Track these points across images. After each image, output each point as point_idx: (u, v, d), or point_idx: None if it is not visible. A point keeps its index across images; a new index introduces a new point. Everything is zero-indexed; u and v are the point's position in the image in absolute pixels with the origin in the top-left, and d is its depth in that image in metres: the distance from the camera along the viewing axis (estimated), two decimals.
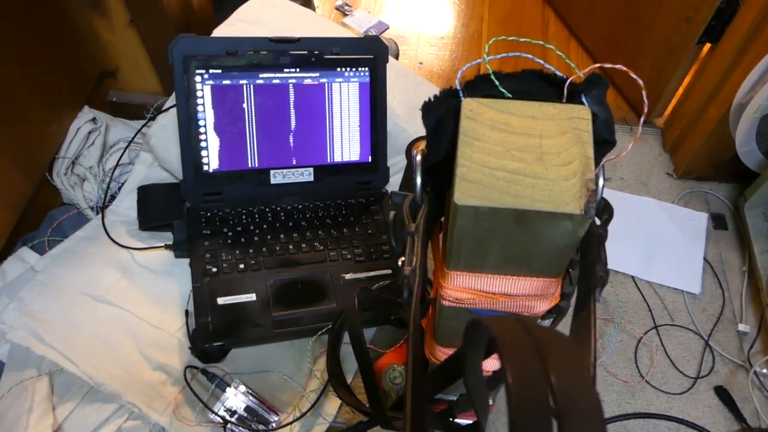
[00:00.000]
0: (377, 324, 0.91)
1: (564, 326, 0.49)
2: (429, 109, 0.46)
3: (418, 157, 0.47)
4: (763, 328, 0.98)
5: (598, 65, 0.46)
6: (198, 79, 0.87)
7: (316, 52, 0.91)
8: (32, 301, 0.86)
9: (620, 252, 1.07)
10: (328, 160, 0.97)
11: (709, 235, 1.11)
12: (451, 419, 0.65)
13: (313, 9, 1.40)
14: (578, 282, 0.46)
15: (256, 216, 0.94)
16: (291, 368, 0.87)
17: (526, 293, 0.46)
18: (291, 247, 0.91)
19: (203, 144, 0.90)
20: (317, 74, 0.92)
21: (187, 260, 0.90)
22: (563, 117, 0.41)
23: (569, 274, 0.47)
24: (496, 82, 0.44)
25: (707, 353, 0.96)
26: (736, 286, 1.04)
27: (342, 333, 0.66)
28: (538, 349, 0.27)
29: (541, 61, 0.46)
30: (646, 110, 0.50)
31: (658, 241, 1.09)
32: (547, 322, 0.55)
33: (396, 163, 1.03)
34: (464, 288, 0.46)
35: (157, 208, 0.97)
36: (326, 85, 0.93)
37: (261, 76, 0.90)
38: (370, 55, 0.93)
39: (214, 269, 0.86)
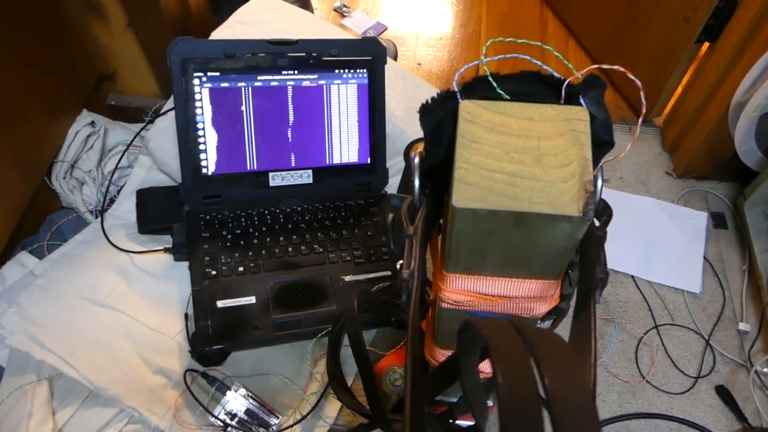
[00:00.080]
0: (377, 326, 0.91)
1: (564, 327, 0.48)
2: (427, 112, 0.46)
3: (416, 160, 0.47)
4: (764, 327, 0.98)
5: (595, 66, 0.46)
6: (196, 81, 0.87)
7: (314, 54, 0.91)
8: (31, 306, 0.85)
9: (620, 252, 1.07)
10: (327, 162, 0.97)
11: (709, 234, 1.11)
12: (451, 421, 0.65)
13: (312, 11, 1.40)
14: (578, 283, 0.46)
15: (255, 218, 0.94)
16: (291, 371, 0.87)
17: (526, 295, 0.46)
18: (290, 249, 0.91)
19: (202, 147, 0.90)
20: (315, 76, 0.92)
21: (186, 263, 0.90)
22: (561, 118, 0.41)
23: (569, 276, 0.47)
24: (494, 84, 0.44)
25: (708, 353, 0.96)
26: (736, 285, 1.04)
27: (342, 335, 0.66)
28: (531, 350, 0.27)
29: (539, 62, 0.46)
30: (644, 111, 0.50)
31: (658, 240, 1.09)
32: (547, 324, 0.55)
33: (395, 165, 1.03)
34: (463, 290, 0.46)
35: (156, 212, 0.97)
36: (324, 86, 0.93)
37: (259, 78, 0.90)
38: (369, 56, 0.93)
39: (214, 272, 0.86)
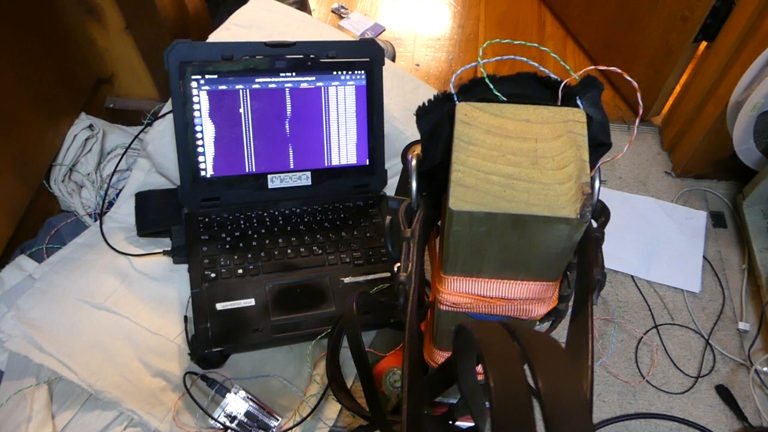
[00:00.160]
0: (377, 327, 0.91)
1: (563, 327, 0.48)
2: (424, 114, 0.46)
3: (414, 162, 0.47)
4: (764, 327, 0.98)
5: (592, 67, 0.45)
6: (194, 84, 0.87)
7: (311, 56, 0.91)
8: (30, 309, 0.85)
9: (619, 251, 1.07)
10: (326, 164, 0.97)
11: (709, 234, 1.11)
12: (451, 422, 0.65)
13: (309, 12, 1.40)
14: (575, 285, 0.46)
15: (255, 221, 0.94)
16: (291, 373, 0.87)
17: (524, 297, 0.46)
18: (289, 251, 0.91)
19: (200, 149, 0.90)
20: (313, 78, 0.92)
21: (185, 266, 0.90)
22: (558, 120, 0.41)
23: (567, 277, 0.47)
24: (491, 86, 0.44)
25: (708, 352, 0.96)
26: (736, 284, 1.04)
27: (341, 338, 0.66)
28: (525, 354, 0.27)
29: (535, 64, 0.46)
30: (640, 112, 0.50)
31: (658, 240, 1.09)
32: (545, 325, 0.55)
33: (394, 166, 1.03)
34: (461, 293, 0.46)
35: (155, 214, 0.97)
36: (322, 88, 0.93)
37: (257, 80, 0.90)
38: (366, 57, 0.93)
39: (213, 275, 0.86)
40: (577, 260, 0.45)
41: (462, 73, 0.47)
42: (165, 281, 0.92)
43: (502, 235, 0.39)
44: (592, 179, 0.42)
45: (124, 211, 1.00)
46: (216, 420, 0.79)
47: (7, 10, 0.91)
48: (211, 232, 0.91)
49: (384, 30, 1.53)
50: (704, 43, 1.11)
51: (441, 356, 0.60)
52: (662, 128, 1.28)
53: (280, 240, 0.92)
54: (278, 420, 0.81)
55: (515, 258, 0.42)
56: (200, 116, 0.89)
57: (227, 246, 0.90)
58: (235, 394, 0.81)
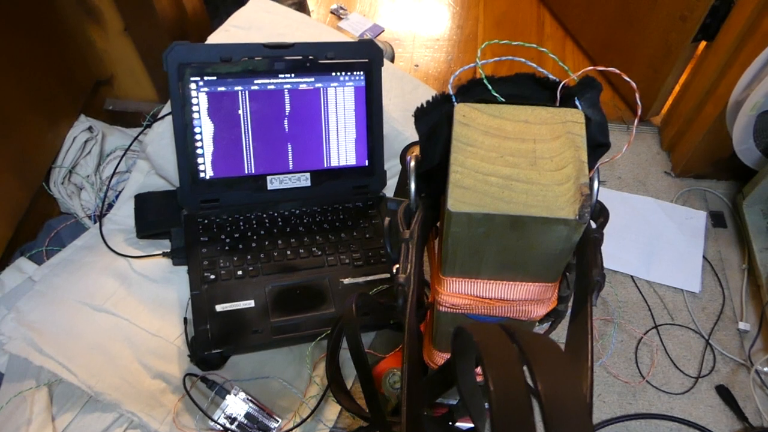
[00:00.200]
0: (376, 328, 0.91)
1: (563, 328, 0.48)
2: (422, 115, 0.46)
3: (412, 163, 0.47)
4: (764, 326, 0.98)
5: (591, 68, 0.45)
6: (193, 86, 0.87)
7: (310, 57, 0.91)
8: (30, 312, 0.85)
9: (619, 252, 1.07)
10: (325, 165, 0.97)
11: (708, 234, 1.11)
12: (451, 423, 0.65)
13: (308, 13, 1.40)
14: (575, 286, 0.46)
15: (254, 222, 0.94)
16: (291, 374, 0.87)
17: (523, 298, 0.46)
18: (289, 252, 0.91)
19: (199, 151, 0.90)
20: (312, 79, 0.92)
21: (185, 267, 0.90)
22: (557, 121, 0.41)
23: (566, 278, 0.47)
24: (489, 87, 0.44)
25: (708, 352, 0.96)
26: (736, 284, 1.04)
27: (341, 339, 0.66)
28: (524, 357, 0.27)
29: (534, 65, 0.46)
30: (639, 112, 0.50)
31: (657, 240, 1.09)
32: (545, 326, 0.55)
33: (393, 167, 1.03)
34: (460, 294, 0.46)
35: (154, 216, 0.97)
36: (321, 89, 0.93)
37: (256, 82, 0.90)
38: (365, 58, 0.93)
39: (213, 276, 0.86)
40: (576, 261, 0.45)
41: (461, 74, 0.47)
42: (164, 283, 0.92)
43: (501, 236, 0.39)
44: (591, 180, 0.42)
45: (124, 213, 1.00)
46: (216, 422, 0.79)
47: (6, 12, 0.91)
48: (211, 233, 0.91)
49: (383, 31, 1.53)
50: (703, 43, 1.11)
51: (440, 357, 0.60)
52: (662, 128, 1.28)
53: (280, 241, 0.92)
54: (278, 421, 0.81)
55: (514, 259, 0.42)
56: (199, 118, 0.89)
57: (227, 247, 0.90)
58: (235, 395, 0.81)
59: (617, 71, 0.45)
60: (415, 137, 0.48)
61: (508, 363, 0.26)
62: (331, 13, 1.57)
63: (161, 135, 0.97)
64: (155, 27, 1.02)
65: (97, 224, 0.98)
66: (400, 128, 1.03)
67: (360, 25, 1.53)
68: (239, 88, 0.89)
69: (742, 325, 0.98)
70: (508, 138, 0.40)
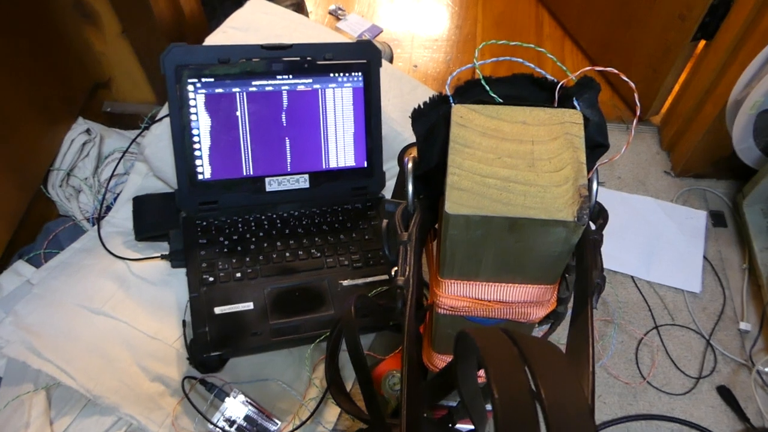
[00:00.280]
0: (376, 330, 0.91)
1: (562, 328, 0.48)
2: (419, 116, 0.45)
3: (410, 165, 0.46)
4: (765, 326, 0.97)
5: (589, 68, 0.45)
6: (190, 88, 0.87)
7: (308, 58, 0.91)
8: (28, 315, 0.85)
9: (619, 252, 1.07)
10: (324, 166, 0.96)
11: (709, 233, 1.10)
12: (451, 425, 0.65)
13: (306, 14, 1.40)
14: (574, 288, 0.45)
15: (252, 224, 0.93)
16: (290, 376, 0.86)
17: (522, 300, 0.45)
18: (288, 254, 0.90)
19: (197, 153, 0.90)
20: (310, 80, 0.92)
21: (183, 270, 0.90)
22: (555, 122, 0.41)
23: (566, 279, 0.47)
24: (487, 87, 0.44)
25: (709, 353, 0.95)
26: (736, 283, 1.04)
27: (340, 341, 0.66)
28: (526, 361, 0.26)
29: (532, 65, 0.46)
30: (638, 113, 0.50)
31: (657, 240, 1.09)
32: (544, 328, 0.55)
33: (392, 168, 1.02)
34: (459, 296, 0.46)
35: (152, 218, 0.96)
36: (320, 90, 0.93)
37: (254, 83, 0.89)
38: (363, 59, 0.93)
39: (211, 278, 0.86)
40: (575, 263, 0.45)
41: (459, 75, 0.47)
42: (163, 285, 0.91)
43: (499, 238, 0.39)
44: (590, 181, 0.42)
45: (122, 216, 1.00)
46: (215, 425, 0.79)
47: (3, 16, 0.91)
48: (209, 235, 0.91)
49: (381, 31, 1.53)
50: (703, 42, 1.10)
51: (440, 359, 0.59)
52: (661, 128, 1.28)
53: (279, 243, 0.91)
54: (277, 424, 0.81)
55: (512, 261, 0.42)
56: (197, 120, 0.88)
57: (225, 249, 0.90)
58: (234, 398, 0.81)
59: (616, 71, 0.45)
60: (414, 138, 0.48)
61: (512, 369, 0.26)
62: (330, 13, 1.57)
63: (159, 137, 0.96)
64: (153, 29, 1.01)
65: (96, 227, 0.98)
66: (399, 129, 1.02)
67: (358, 25, 1.53)
68: (237, 89, 0.89)
69: (743, 325, 0.98)
70: (505, 139, 0.40)
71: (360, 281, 0.89)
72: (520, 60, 0.47)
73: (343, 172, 0.97)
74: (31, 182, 1.01)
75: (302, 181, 0.96)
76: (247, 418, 0.80)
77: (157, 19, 1.00)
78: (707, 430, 0.87)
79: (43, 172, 1.03)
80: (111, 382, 0.81)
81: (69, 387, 0.79)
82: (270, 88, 0.90)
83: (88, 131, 1.09)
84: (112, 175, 1.06)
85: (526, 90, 0.45)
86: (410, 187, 0.47)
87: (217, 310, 0.83)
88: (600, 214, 0.46)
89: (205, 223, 0.92)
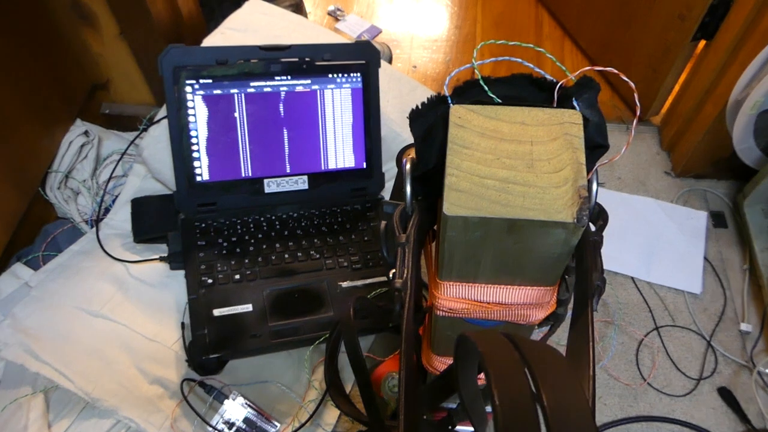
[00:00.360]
0: (375, 332, 0.91)
1: (562, 329, 0.48)
2: (417, 117, 0.45)
3: (408, 166, 0.46)
4: (766, 327, 0.97)
5: (589, 68, 0.45)
6: (188, 89, 0.86)
7: (307, 59, 0.90)
8: (26, 318, 0.85)
9: (619, 253, 1.06)
10: (323, 168, 0.96)
11: (709, 234, 1.10)
12: (450, 427, 0.64)
13: (305, 15, 1.40)
14: (574, 289, 0.45)
15: (251, 225, 0.93)
16: (289, 378, 0.86)
17: (521, 302, 0.45)
18: (287, 256, 0.90)
19: (196, 154, 0.89)
20: (309, 81, 0.91)
21: (182, 272, 0.90)
22: (554, 122, 0.41)
23: (565, 281, 0.47)
24: (485, 88, 0.43)
25: (709, 354, 0.95)
26: (737, 284, 1.03)
27: (339, 342, 0.65)
28: (527, 365, 0.26)
29: (530, 65, 0.46)
30: (638, 113, 0.49)
31: (658, 241, 1.08)
32: (544, 329, 0.55)
33: (391, 169, 1.02)
34: (458, 298, 0.45)
35: (151, 220, 0.96)
36: (318, 91, 0.92)
37: (252, 84, 0.89)
38: (362, 60, 0.93)
39: (210, 280, 0.86)
40: (575, 264, 0.45)
41: (459, 75, 0.47)
42: (162, 287, 0.91)
43: (498, 240, 0.39)
44: (589, 182, 0.41)
45: (121, 218, 0.99)
46: (214, 427, 0.79)
47: (0, 17, 0.91)
48: (208, 237, 0.91)
49: (381, 32, 1.52)
50: (703, 42, 1.10)
51: (439, 362, 0.59)
52: (661, 128, 1.27)
53: (278, 245, 0.91)
54: (277, 426, 0.81)
55: (511, 263, 0.41)
56: (195, 121, 0.88)
57: (224, 251, 0.89)
58: (234, 400, 0.81)
59: (616, 71, 0.45)
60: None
61: (513, 373, 0.26)
62: (329, 14, 1.57)
63: (157, 139, 0.96)
64: (150, 30, 1.01)
65: (94, 229, 0.98)
66: (399, 130, 1.02)
67: (357, 26, 1.53)
68: (235, 90, 0.89)
69: (743, 326, 0.97)
70: (504, 140, 0.40)
71: (359, 282, 0.88)
72: (520, 60, 0.47)
73: (342, 173, 0.97)
74: (29, 184, 1.00)
75: (301, 183, 0.95)
76: (246, 420, 0.80)
77: (155, 21, 0.99)
78: None
79: (41, 174, 1.03)
80: (109, 385, 0.80)
81: (67, 390, 0.79)
82: (268, 89, 0.90)
83: (86, 133, 1.08)
84: (110, 177, 1.05)
85: (525, 90, 0.45)
86: (408, 189, 0.47)
87: (216, 312, 0.83)
88: (600, 216, 0.45)
89: (203, 225, 0.92)
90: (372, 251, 0.92)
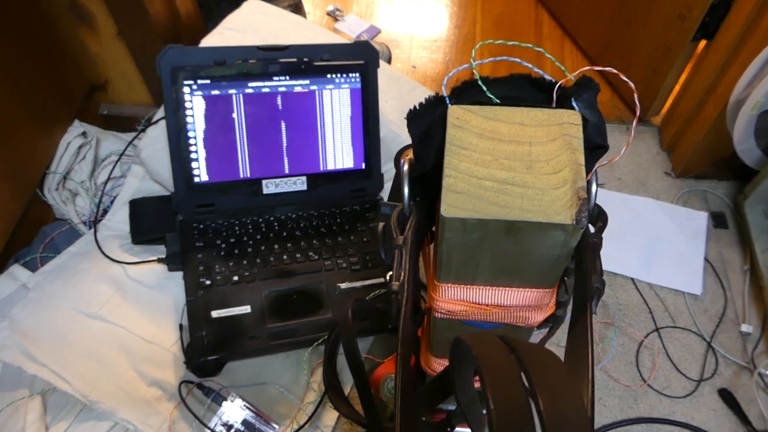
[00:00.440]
0: (374, 333, 0.90)
1: (562, 330, 0.47)
2: (415, 117, 0.45)
3: (406, 167, 0.46)
4: (767, 329, 0.97)
5: (588, 68, 0.44)
6: (186, 90, 0.86)
7: (305, 59, 0.90)
8: (24, 319, 0.84)
9: (619, 254, 1.06)
10: (321, 168, 0.96)
11: (710, 235, 1.10)
12: (449, 429, 0.64)
13: (304, 15, 1.39)
14: (574, 291, 0.45)
15: (250, 227, 0.93)
16: (288, 380, 0.86)
17: (520, 304, 0.45)
18: (285, 257, 0.90)
19: (194, 155, 0.89)
20: (307, 81, 0.91)
21: (180, 273, 0.89)
22: (553, 123, 0.40)
23: (564, 283, 0.46)
24: (484, 88, 0.43)
25: (710, 355, 0.95)
26: (738, 285, 1.03)
27: (337, 345, 0.65)
28: (524, 369, 0.26)
29: (529, 65, 0.45)
30: (638, 113, 0.49)
31: (658, 241, 1.08)
32: (543, 331, 0.54)
33: (390, 170, 1.02)
34: (456, 300, 0.45)
35: (149, 222, 0.96)
36: (317, 92, 0.92)
37: (250, 85, 0.89)
38: (361, 60, 0.92)
39: (208, 282, 0.85)
40: (574, 266, 0.44)
41: (458, 75, 0.46)
42: (160, 289, 0.91)
43: (496, 241, 0.38)
44: (589, 183, 0.41)
45: (119, 219, 0.99)
46: (212, 429, 0.78)
47: None
48: (206, 238, 0.90)
49: (380, 32, 1.52)
50: (703, 42, 1.10)
51: (438, 363, 0.59)
52: (661, 128, 1.27)
53: (276, 246, 0.91)
54: (275, 428, 0.80)
55: (510, 265, 0.41)
56: (193, 122, 0.88)
57: (222, 252, 0.89)
58: (232, 402, 0.80)
59: (615, 71, 0.44)
60: None
61: (508, 377, 0.26)
62: (328, 14, 1.56)
63: (156, 139, 0.96)
64: (148, 31, 1.01)
65: (92, 230, 0.97)
66: (398, 130, 1.02)
67: (357, 26, 1.52)
68: (233, 91, 0.88)
69: (744, 328, 0.97)
70: (503, 141, 0.39)
71: (358, 284, 0.88)
72: (519, 60, 0.46)
73: (341, 174, 0.97)
74: (27, 185, 1.00)
75: (300, 184, 0.95)
76: (244, 422, 0.80)
77: (153, 21, 0.99)
78: None
79: (39, 176, 1.03)
80: (107, 387, 0.80)
81: (65, 392, 0.79)
82: (267, 90, 0.90)
83: (84, 134, 1.08)
84: (108, 178, 1.05)
85: (524, 90, 0.45)
86: (406, 190, 0.46)
87: (215, 313, 0.82)
88: (599, 217, 0.45)
89: (202, 226, 0.91)
90: (371, 252, 0.92)
